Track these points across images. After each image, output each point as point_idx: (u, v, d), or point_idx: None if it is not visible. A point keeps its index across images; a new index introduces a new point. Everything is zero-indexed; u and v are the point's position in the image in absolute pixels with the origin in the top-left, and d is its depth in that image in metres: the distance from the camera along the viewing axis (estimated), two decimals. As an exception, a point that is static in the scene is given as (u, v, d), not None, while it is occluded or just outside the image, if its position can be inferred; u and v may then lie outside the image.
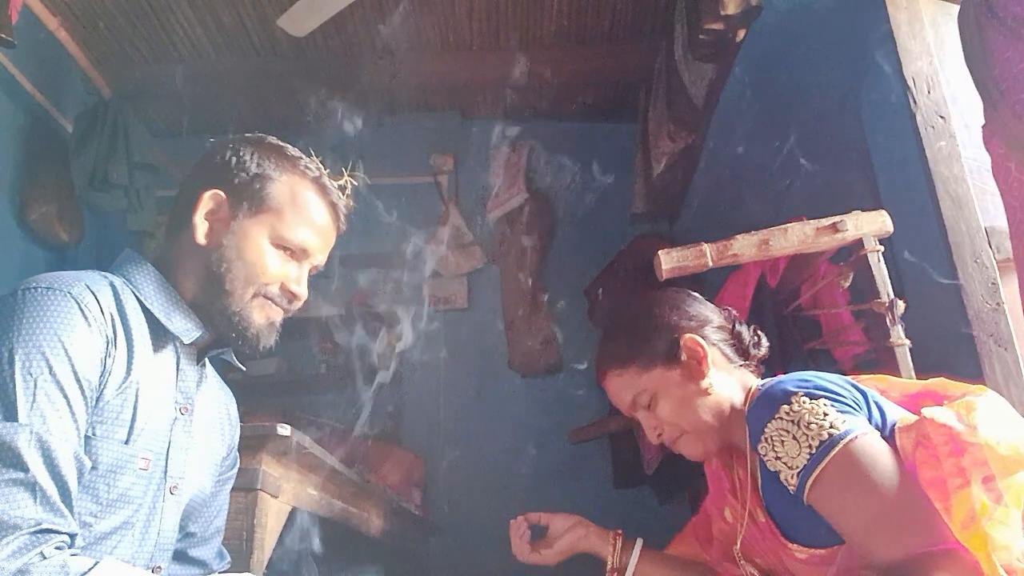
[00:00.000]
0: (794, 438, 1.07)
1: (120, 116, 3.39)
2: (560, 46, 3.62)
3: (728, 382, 1.30)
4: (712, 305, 1.40)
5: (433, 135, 4.22)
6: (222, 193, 1.15)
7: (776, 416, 1.11)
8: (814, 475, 1.05)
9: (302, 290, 1.18)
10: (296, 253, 1.17)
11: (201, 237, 1.14)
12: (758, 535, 1.27)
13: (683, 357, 1.30)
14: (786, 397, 1.12)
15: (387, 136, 4.13)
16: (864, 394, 1.15)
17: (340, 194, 1.23)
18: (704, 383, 1.28)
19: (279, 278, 1.16)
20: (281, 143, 1.22)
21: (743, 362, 1.34)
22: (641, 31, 3.54)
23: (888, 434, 1.11)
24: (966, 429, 1.02)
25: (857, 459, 1.03)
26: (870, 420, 1.11)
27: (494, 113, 4.21)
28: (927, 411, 1.08)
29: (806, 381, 1.15)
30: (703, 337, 1.31)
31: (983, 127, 1.47)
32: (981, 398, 1.10)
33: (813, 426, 1.06)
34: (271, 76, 3.70)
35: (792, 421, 1.08)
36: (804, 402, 1.09)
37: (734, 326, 1.38)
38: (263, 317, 1.15)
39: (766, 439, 1.12)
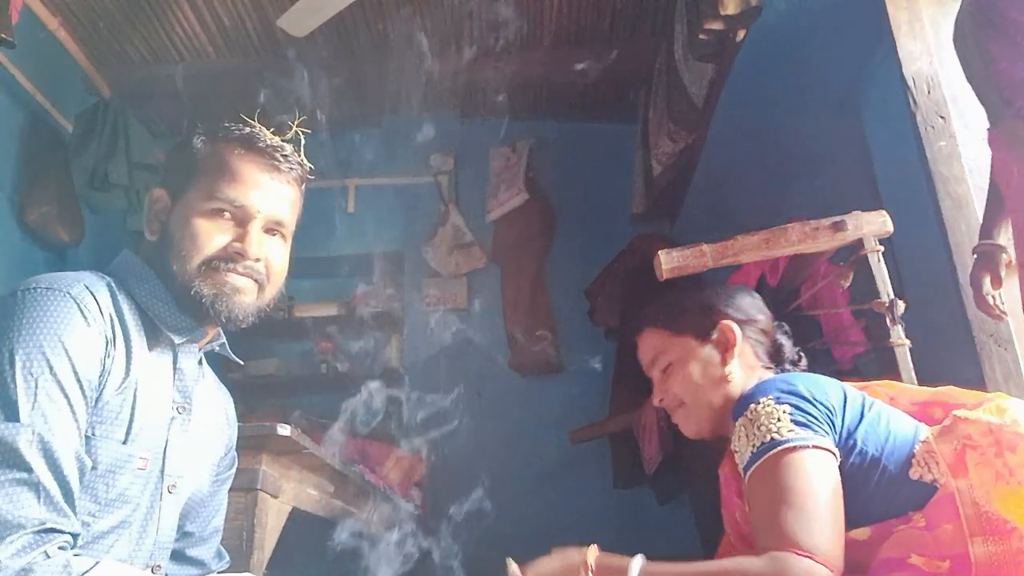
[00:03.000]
0: (747, 435, 1.16)
1: (120, 116, 3.39)
2: (560, 46, 3.61)
3: (746, 377, 1.34)
4: (768, 312, 1.44)
5: (433, 135, 4.21)
6: (161, 189, 1.18)
7: (744, 413, 1.19)
8: (751, 470, 1.13)
9: (249, 247, 1.12)
10: (235, 214, 1.13)
11: (150, 234, 1.16)
12: None
13: (714, 336, 1.35)
14: (756, 398, 1.19)
15: (387, 136, 4.12)
16: (832, 410, 1.16)
17: (277, 141, 1.18)
18: (726, 368, 1.33)
19: (219, 244, 1.11)
20: (218, 125, 1.19)
21: (770, 364, 1.38)
22: (641, 31, 3.53)
23: (883, 450, 1.13)
24: (1011, 424, 1.07)
25: (784, 466, 1.09)
26: (838, 437, 1.14)
27: (494, 113, 4.21)
28: (961, 412, 1.13)
29: (786, 384, 1.20)
30: (741, 330, 1.35)
31: (988, 130, 1.48)
32: (1007, 400, 1.15)
33: (763, 427, 1.14)
34: (271, 76, 3.70)
35: (751, 420, 1.16)
36: (768, 404, 1.16)
37: (777, 336, 1.41)
38: (216, 285, 1.11)
39: (735, 432, 1.20)
